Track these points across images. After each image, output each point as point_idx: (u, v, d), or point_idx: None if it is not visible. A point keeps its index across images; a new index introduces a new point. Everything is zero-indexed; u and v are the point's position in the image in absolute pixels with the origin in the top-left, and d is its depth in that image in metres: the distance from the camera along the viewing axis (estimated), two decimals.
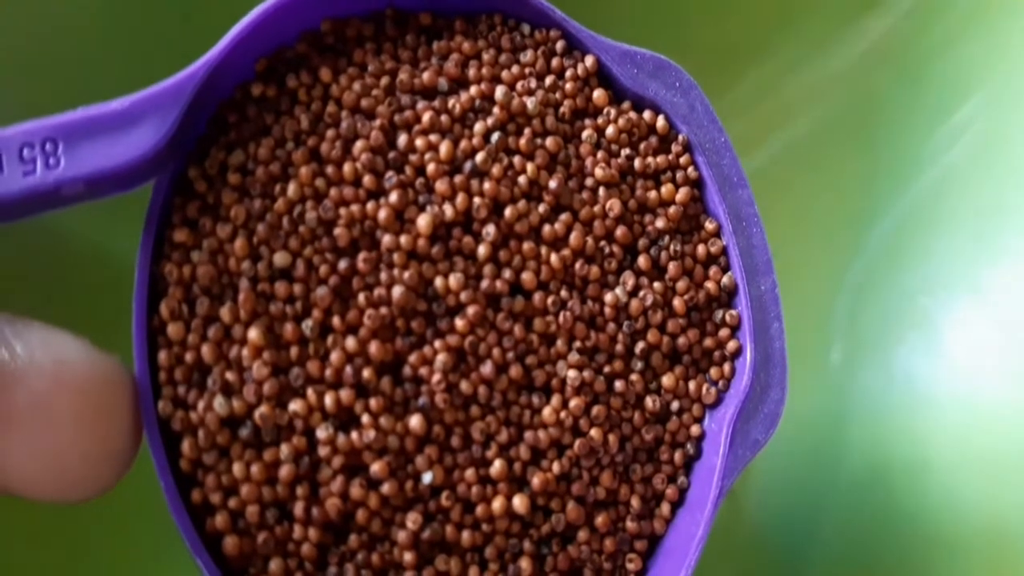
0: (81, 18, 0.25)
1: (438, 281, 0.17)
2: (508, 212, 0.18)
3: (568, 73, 0.19)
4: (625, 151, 0.19)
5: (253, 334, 0.17)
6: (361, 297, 0.17)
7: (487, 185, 0.18)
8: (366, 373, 0.17)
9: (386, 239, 0.17)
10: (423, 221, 0.17)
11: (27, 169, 0.15)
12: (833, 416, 0.29)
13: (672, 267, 0.19)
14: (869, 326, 0.30)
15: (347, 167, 0.17)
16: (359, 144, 0.18)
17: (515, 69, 0.19)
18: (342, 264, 0.17)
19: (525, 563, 0.18)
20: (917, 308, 0.29)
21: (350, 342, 0.17)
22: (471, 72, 0.19)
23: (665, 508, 0.19)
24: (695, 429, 0.19)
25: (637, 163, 0.19)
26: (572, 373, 0.18)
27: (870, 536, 0.27)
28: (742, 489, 0.30)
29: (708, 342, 0.19)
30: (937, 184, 0.29)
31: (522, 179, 0.18)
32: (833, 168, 0.31)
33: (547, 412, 0.18)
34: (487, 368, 0.18)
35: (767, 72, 0.32)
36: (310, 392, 0.17)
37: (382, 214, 0.17)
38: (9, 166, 0.15)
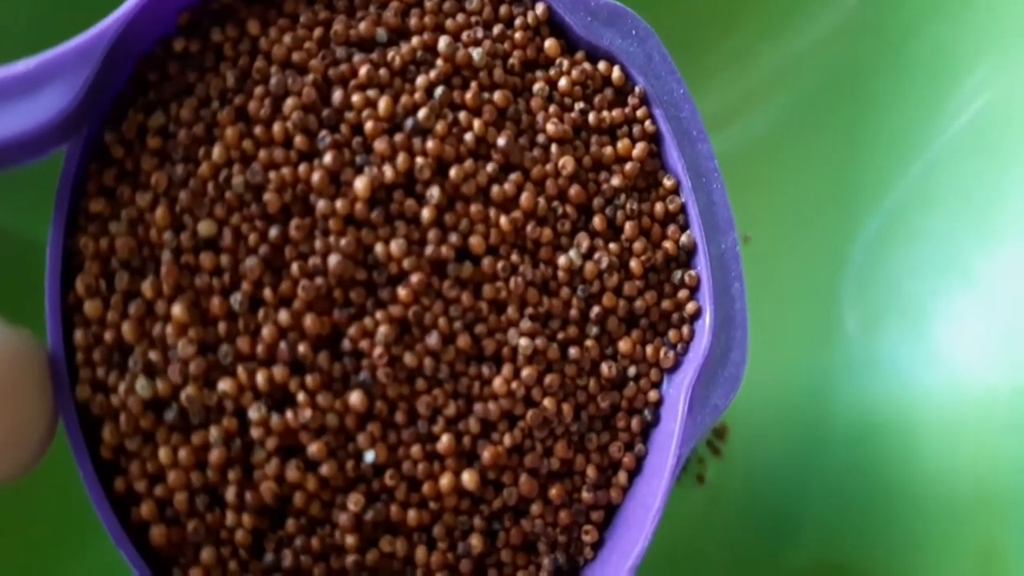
0: None
1: (378, 248, 0.16)
2: (453, 172, 0.17)
3: (517, 22, 0.18)
4: (579, 105, 0.18)
5: (177, 310, 0.15)
6: (294, 267, 0.16)
7: (430, 143, 0.17)
8: (301, 348, 0.16)
9: (320, 204, 0.16)
10: (360, 184, 0.16)
11: None
12: (833, 384, 0.29)
13: (628, 227, 0.18)
14: (864, 303, 0.30)
15: (277, 127, 0.16)
16: (290, 102, 0.16)
17: (460, 18, 0.18)
18: (273, 232, 0.16)
19: (476, 540, 0.17)
20: (904, 290, 0.29)
21: (283, 315, 0.16)
22: (412, 21, 0.17)
23: (622, 477, 0.18)
24: (653, 395, 0.18)
25: (591, 117, 0.18)
26: (524, 341, 0.17)
27: (858, 495, 0.27)
28: (730, 456, 0.30)
29: (666, 304, 0.18)
30: (928, 165, 0.29)
31: (468, 136, 0.17)
32: (816, 143, 0.31)
33: (498, 383, 0.17)
34: (433, 339, 0.17)
35: (742, 40, 0.31)
36: (240, 370, 0.16)
37: (315, 177, 0.16)
38: None
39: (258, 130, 0.16)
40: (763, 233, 0.30)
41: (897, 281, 0.29)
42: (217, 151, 0.16)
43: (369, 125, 0.16)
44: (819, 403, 0.29)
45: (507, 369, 0.17)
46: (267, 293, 0.16)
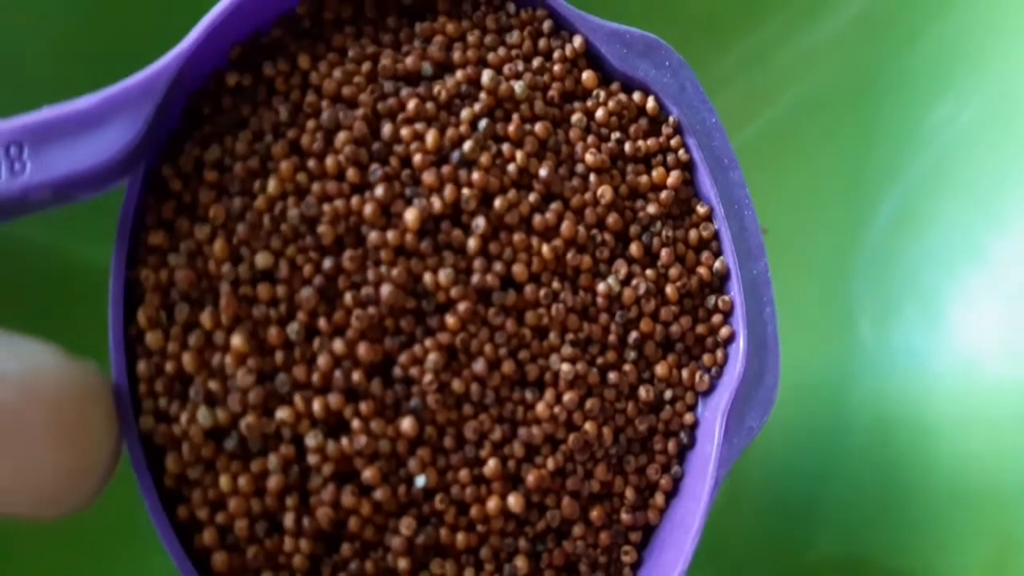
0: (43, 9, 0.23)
1: (427, 277, 0.17)
2: (498, 203, 0.17)
3: (556, 55, 0.19)
4: (615, 135, 0.19)
5: (236, 340, 0.16)
6: (348, 297, 0.16)
7: (476, 175, 0.17)
8: (355, 376, 0.16)
9: (372, 235, 0.17)
10: (411, 215, 0.17)
11: None
12: (847, 383, 0.30)
13: (664, 253, 0.19)
14: (880, 294, 0.30)
15: (329, 160, 0.17)
16: (341, 135, 0.17)
17: (501, 51, 0.18)
18: (327, 263, 0.16)
19: (521, 562, 0.17)
20: (921, 279, 0.29)
21: (337, 344, 0.16)
22: (456, 55, 0.18)
23: (659, 498, 0.19)
24: (688, 417, 0.19)
25: (628, 147, 0.19)
26: (566, 366, 0.18)
27: (878, 488, 0.27)
28: (749, 452, 0.30)
29: (700, 328, 0.19)
30: (939, 155, 0.29)
31: (511, 167, 0.18)
32: (829, 140, 0.31)
33: (540, 407, 0.17)
34: (479, 365, 0.17)
35: (756, 41, 0.31)
36: (297, 398, 0.16)
37: (368, 209, 0.16)
38: None
39: (311, 163, 0.17)
40: (779, 225, 0.29)
41: (912, 270, 0.29)
42: (272, 184, 0.16)
43: (418, 158, 0.17)
44: (836, 395, 0.29)
45: (549, 394, 0.18)
46: (322, 323, 0.16)
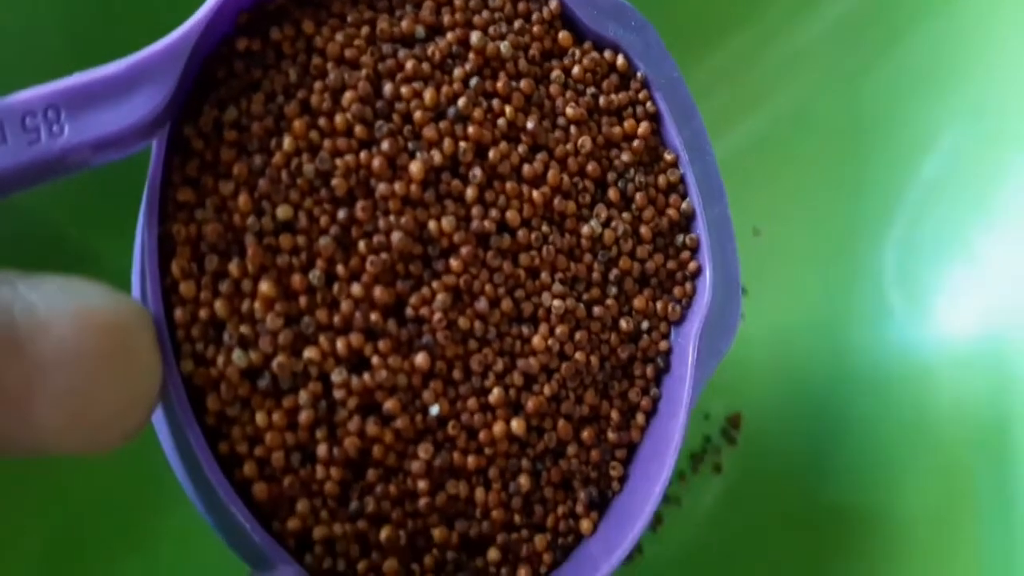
0: None
1: (432, 224, 0.18)
2: (491, 154, 0.19)
3: (534, 16, 0.20)
4: (590, 89, 0.20)
5: (264, 287, 0.17)
6: (362, 244, 0.18)
7: (471, 129, 0.19)
8: (373, 317, 0.18)
9: (381, 187, 0.18)
10: (415, 167, 0.18)
11: (31, 138, 0.15)
12: (843, 369, 0.31)
13: (639, 197, 0.20)
14: (870, 290, 0.31)
15: (339, 118, 0.18)
16: (348, 95, 0.18)
17: (485, 14, 0.20)
18: (341, 214, 0.18)
19: (524, 480, 0.19)
20: (909, 273, 0.30)
21: (355, 288, 0.18)
22: (445, 18, 0.19)
23: (640, 418, 0.21)
24: (663, 344, 0.21)
25: (602, 100, 0.20)
26: (556, 303, 0.19)
27: (872, 478, 0.29)
28: (745, 445, 0.31)
29: (671, 264, 0.21)
30: (928, 149, 0.30)
31: (501, 121, 0.19)
32: (819, 136, 0.32)
33: (536, 340, 0.19)
34: (481, 304, 0.19)
35: (749, 38, 0.32)
36: (322, 339, 0.17)
37: (376, 162, 0.18)
38: (13, 136, 0.15)
39: (322, 121, 0.18)
40: (771, 225, 0.31)
41: (901, 264, 0.30)
42: (287, 141, 0.17)
43: (418, 114, 0.18)
44: (829, 387, 0.31)
45: (543, 328, 0.19)
46: (340, 269, 0.18)
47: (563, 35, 0.20)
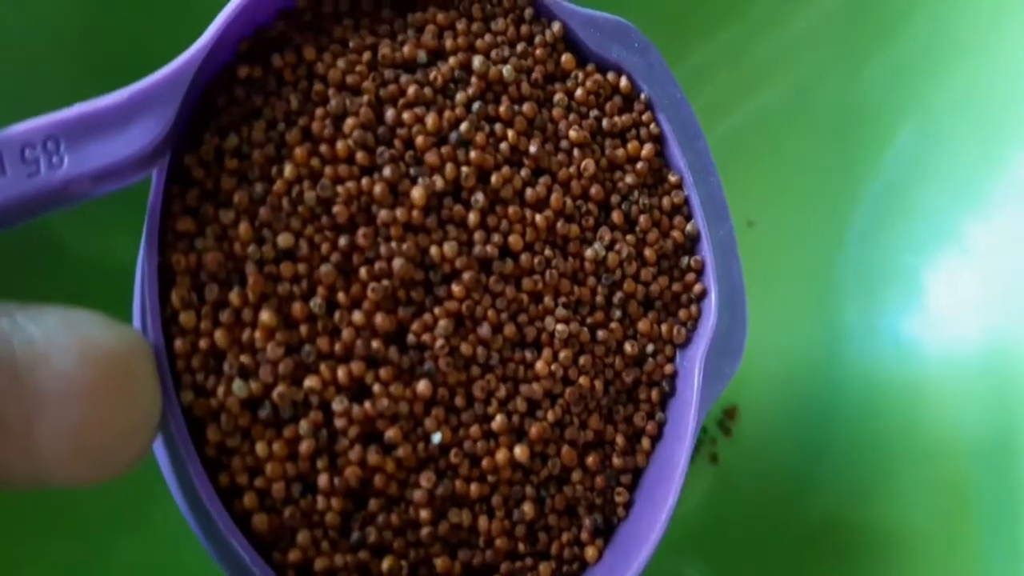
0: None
1: (433, 250, 0.18)
2: (494, 179, 0.19)
3: (537, 39, 0.20)
4: (593, 112, 0.20)
5: (265, 316, 0.17)
6: (363, 271, 0.18)
7: (473, 154, 0.19)
8: (375, 344, 0.18)
9: (382, 213, 0.18)
10: (417, 193, 0.18)
11: (31, 170, 0.15)
12: (837, 359, 0.31)
13: (642, 220, 0.20)
14: (864, 280, 0.31)
15: (340, 145, 0.18)
16: (349, 121, 0.18)
17: (488, 38, 0.20)
18: (342, 241, 0.18)
19: (527, 507, 0.19)
20: (903, 265, 0.30)
21: (357, 316, 0.17)
22: (448, 43, 0.19)
23: (646, 443, 0.20)
24: (669, 368, 0.20)
25: (605, 123, 0.20)
26: (560, 327, 0.19)
27: (867, 466, 0.29)
28: (741, 435, 0.31)
29: (676, 287, 0.21)
30: (920, 141, 0.30)
31: (503, 145, 0.19)
32: (811, 127, 0.32)
33: (539, 365, 0.19)
34: (484, 329, 0.18)
35: (736, 32, 0.32)
36: (323, 367, 0.17)
37: (377, 189, 0.18)
38: (12, 168, 0.15)
39: (323, 148, 0.18)
40: (765, 216, 0.30)
41: (895, 255, 0.30)
42: (288, 169, 0.17)
43: (420, 140, 0.18)
44: (824, 378, 0.30)
45: (547, 353, 0.19)
46: (341, 296, 0.17)
47: (566, 58, 0.20)
